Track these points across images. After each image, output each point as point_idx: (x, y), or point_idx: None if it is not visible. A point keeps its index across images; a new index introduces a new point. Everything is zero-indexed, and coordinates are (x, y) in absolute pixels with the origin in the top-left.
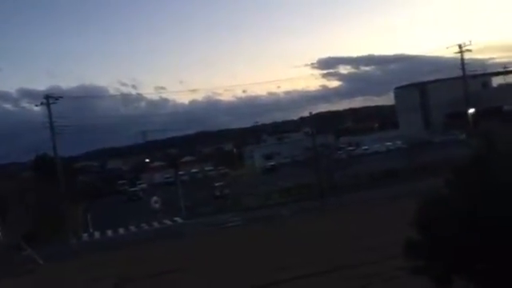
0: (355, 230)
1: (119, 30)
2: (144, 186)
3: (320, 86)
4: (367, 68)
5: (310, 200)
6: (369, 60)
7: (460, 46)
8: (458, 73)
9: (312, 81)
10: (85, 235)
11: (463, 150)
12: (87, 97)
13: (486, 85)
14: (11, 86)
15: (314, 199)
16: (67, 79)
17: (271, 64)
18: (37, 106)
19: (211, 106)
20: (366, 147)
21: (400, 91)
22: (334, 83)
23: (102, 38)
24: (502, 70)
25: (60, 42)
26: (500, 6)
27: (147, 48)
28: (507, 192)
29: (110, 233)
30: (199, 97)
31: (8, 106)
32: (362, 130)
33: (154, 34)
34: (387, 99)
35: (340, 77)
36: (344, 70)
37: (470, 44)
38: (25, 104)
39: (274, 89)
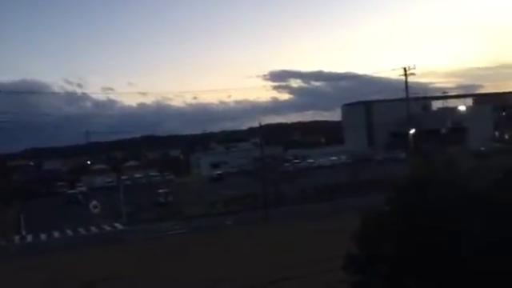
0: (295, 243)
1: (68, 27)
2: (84, 189)
3: (271, 97)
4: (317, 83)
5: (254, 210)
6: (319, 76)
7: (405, 69)
8: (402, 94)
9: (263, 92)
10: (16, 238)
11: (403, 167)
12: (28, 92)
13: (426, 107)
14: None
15: (258, 210)
16: (8, 73)
17: (223, 73)
18: None
19: (160, 111)
20: (311, 160)
21: (347, 108)
22: (285, 96)
23: (48, 34)
24: (441, 94)
25: (3, 34)
26: (444, 33)
27: (96, 47)
28: (444, 209)
29: (43, 236)
30: (148, 100)
31: None
32: (310, 143)
33: (105, 34)
34: (335, 115)
35: (291, 90)
36: (295, 83)
37: (414, 68)
38: None
39: (224, 97)
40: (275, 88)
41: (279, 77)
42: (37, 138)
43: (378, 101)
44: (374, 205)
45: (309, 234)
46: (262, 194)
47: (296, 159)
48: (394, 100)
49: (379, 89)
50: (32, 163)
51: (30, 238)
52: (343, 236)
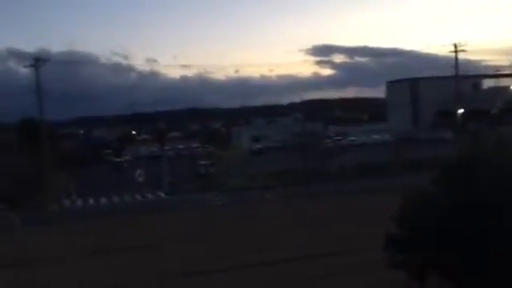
0: (338, 218)
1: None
2: (129, 157)
3: (312, 72)
4: (361, 59)
5: (295, 186)
6: (364, 51)
7: (455, 46)
8: (451, 72)
9: (305, 67)
10: (67, 202)
11: (449, 148)
12: (77, 62)
13: (476, 86)
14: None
15: (299, 185)
16: (58, 43)
17: (265, 47)
18: (25, 67)
19: (202, 84)
20: (353, 138)
21: (392, 85)
22: (327, 71)
23: (97, 5)
24: (493, 72)
25: (53, 5)
26: (497, 9)
27: (142, 20)
28: (491, 192)
29: (91, 201)
30: (191, 73)
31: None
32: (352, 120)
33: (151, 7)
34: (379, 92)
35: (333, 65)
36: (338, 58)
37: (466, 44)
38: (12, 64)
39: (266, 72)
40: (317, 63)
41: (322, 51)
42: (86, 107)
43: (424, 78)
44: (417, 184)
45: (349, 210)
46: (302, 169)
47: (337, 136)
48: (443, 77)
49: (427, 66)
50: (82, 131)
51: (79, 202)
52: (384, 214)
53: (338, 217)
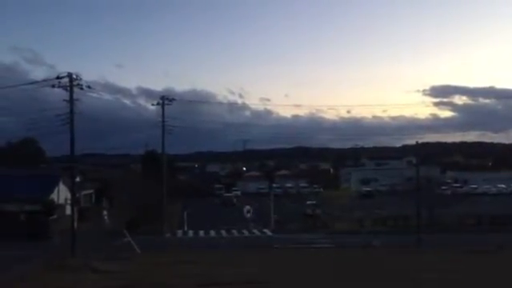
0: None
1: (232, 39)
2: (238, 193)
3: (430, 114)
4: (486, 100)
5: (405, 234)
6: (489, 92)
7: None
8: None
9: (422, 108)
10: (179, 232)
11: None
12: (197, 101)
13: None
14: (131, 83)
15: (409, 233)
16: (181, 82)
17: (380, 87)
18: (153, 105)
19: (313, 123)
20: (474, 186)
21: None
22: (446, 113)
23: (216, 46)
24: None
25: (178, 46)
26: None
27: (257, 60)
28: None
29: (201, 233)
30: (302, 112)
31: (127, 101)
32: (473, 167)
33: (264, 47)
34: (506, 137)
35: (454, 107)
36: (459, 100)
37: None
38: (141, 101)
39: (379, 112)
40: (436, 104)
41: (441, 92)
42: (202, 143)
43: None
44: None
45: (467, 268)
46: (414, 217)
47: (456, 183)
48: None
49: None
50: (196, 165)
51: (190, 233)
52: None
53: (457, 275)
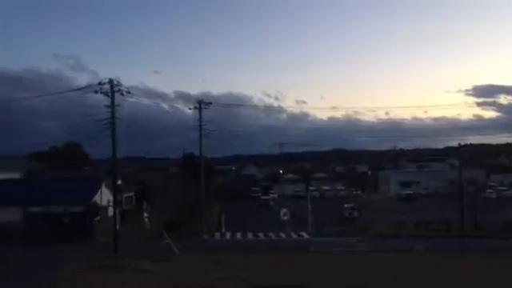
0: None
1: (267, 43)
2: (275, 196)
3: (473, 115)
4: None
5: (448, 238)
6: None
7: None
8: None
9: (464, 109)
10: (217, 234)
11: None
12: (234, 105)
13: None
14: (169, 88)
15: (452, 238)
16: (218, 86)
17: (420, 88)
18: (190, 109)
19: (350, 125)
20: None
21: None
22: (491, 113)
23: (252, 49)
24: None
25: (215, 50)
26: None
27: (294, 62)
28: None
29: (239, 235)
30: (339, 114)
31: (165, 106)
32: None
33: (300, 50)
34: None
35: (498, 107)
36: (505, 100)
37: None
38: (179, 105)
39: (419, 114)
40: (479, 104)
41: (485, 92)
42: (239, 146)
43: None
44: None
45: None
46: (457, 221)
47: (502, 186)
48: None
49: None
50: (233, 168)
51: (228, 235)
52: None
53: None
